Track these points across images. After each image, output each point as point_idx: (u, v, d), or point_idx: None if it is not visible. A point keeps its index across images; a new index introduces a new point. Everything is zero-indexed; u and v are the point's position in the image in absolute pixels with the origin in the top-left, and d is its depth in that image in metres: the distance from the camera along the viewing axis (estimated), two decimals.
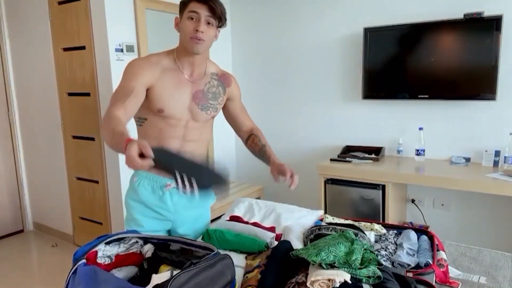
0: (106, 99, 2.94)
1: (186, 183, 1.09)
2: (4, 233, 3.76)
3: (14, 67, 3.72)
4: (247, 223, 1.70)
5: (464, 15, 2.77)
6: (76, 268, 1.11)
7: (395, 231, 1.68)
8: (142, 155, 1.07)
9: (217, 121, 1.75)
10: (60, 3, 3.16)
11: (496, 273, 1.47)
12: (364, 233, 1.48)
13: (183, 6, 1.45)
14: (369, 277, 1.15)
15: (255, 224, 1.68)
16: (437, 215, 3.20)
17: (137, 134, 1.59)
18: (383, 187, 2.87)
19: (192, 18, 1.41)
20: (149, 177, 1.57)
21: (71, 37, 3.13)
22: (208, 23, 1.43)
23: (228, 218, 1.78)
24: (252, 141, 1.71)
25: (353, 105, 3.42)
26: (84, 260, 1.13)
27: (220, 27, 1.48)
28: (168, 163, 1.13)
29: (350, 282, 1.11)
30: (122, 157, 2.99)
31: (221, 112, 1.72)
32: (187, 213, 1.64)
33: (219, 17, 1.43)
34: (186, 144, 1.55)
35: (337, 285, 1.09)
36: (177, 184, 1.09)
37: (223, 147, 3.99)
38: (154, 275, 1.09)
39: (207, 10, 1.40)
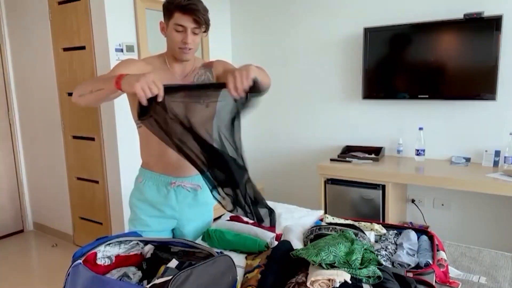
0: None
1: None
2: (4, 233, 3.76)
3: (14, 67, 3.72)
4: (247, 223, 1.69)
5: (464, 15, 2.77)
6: (74, 269, 1.11)
7: (395, 231, 1.68)
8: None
9: None
10: (60, 3, 3.16)
11: (496, 273, 1.47)
12: (364, 233, 1.48)
13: (167, 14, 1.48)
14: (369, 277, 1.15)
15: (255, 224, 1.68)
16: (437, 215, 3.20)
17: (139, 136, 1.60)
18: (383, 187, 2.87)
19: (178, 31, 1.47)
20: (153, 177, 1.59)
21: (71, 37, 3.13)
22: (195, 33, 1.49)
23: (228, 218, 1.78)
24: None
25: (353, 105, 3.42)
26: (79, 261, 1.13)
27: (205, 31, 1.53)
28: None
29: (350, 282, 1.11)
30: (122, 157, 2.99)
31: None
32: (191, 211, 1.65)
33: (204, 26, 1.49)
34: None
35: (337, 285, 1.09)
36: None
37: None
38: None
39: (192, 22, 1.45)
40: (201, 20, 1.46)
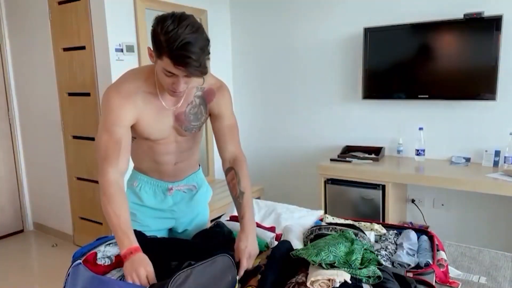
0: None
1: None
2: (4, 233, 3.75)
3: (14, 67, 3.72)
4: None
5: (464, 15, 2.77)
6: (74, 269, 1.11)
7: (395, 231, 1.68)
8: None
9: None
10: (60, 3, 3.16)
11: (496, 273, 1.47)
12: (364, 233, 1.48)
13: (156, 50, 1.20)
14: (369, 277, 1.15)
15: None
16: (437, 215, 3.20)
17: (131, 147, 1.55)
18: (383, 187, 2.87)
19: (168, 75, 1.23)
20: (150, 182, 1.57)
21: (71, 37, 3.13)
22: (188, 77, 1.22)
23: (228, 218, 1.78)
24: (231, 178, 1.48)
25: (353, 105, 3.42)
26: (79, 261, 1.13)
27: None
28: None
29: (350, 282, 1.11)
30: None
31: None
32: (188, 210, 1.65)
33: (199, 74, 1.21)
34: (180, 154, 1.55)
35: (337, 285, 1.09)
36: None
37: None
38: None
39: (184, 72, 1.19)
40: (194, 73, 1.19)
